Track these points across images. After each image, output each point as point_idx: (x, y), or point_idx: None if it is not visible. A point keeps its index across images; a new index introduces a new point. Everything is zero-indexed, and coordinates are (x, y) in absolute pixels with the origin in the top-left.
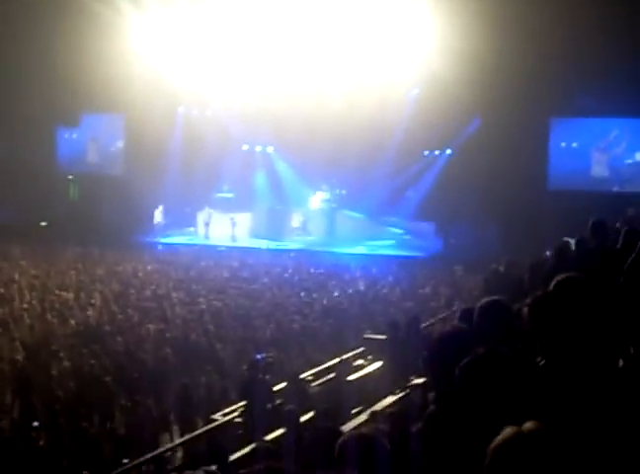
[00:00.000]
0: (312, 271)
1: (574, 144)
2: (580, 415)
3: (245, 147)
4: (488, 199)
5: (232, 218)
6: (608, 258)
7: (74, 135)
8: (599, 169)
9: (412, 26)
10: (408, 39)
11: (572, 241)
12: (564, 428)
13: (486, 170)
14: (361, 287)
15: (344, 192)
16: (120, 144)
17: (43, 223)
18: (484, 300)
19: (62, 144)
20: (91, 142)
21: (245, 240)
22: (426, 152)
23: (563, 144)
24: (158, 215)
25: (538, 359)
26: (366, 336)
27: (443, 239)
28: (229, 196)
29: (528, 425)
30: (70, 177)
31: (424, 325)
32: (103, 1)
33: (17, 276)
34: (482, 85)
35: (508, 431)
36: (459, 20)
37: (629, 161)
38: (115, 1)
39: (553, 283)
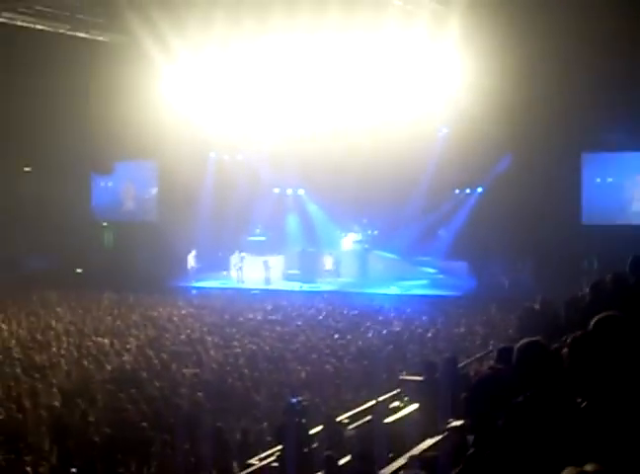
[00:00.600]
0: (345, 312)
1: (609, 179)
2: (626, 457)
3: (276, 190)
4: (521, 237)
5: (265, 261)
6: None
7: (109, 183)
8: (637, 204)
9: (439, 64)
10: (435, 77)
11: (608, 277)
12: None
13: (518, 207)
14: (396, 328)
15: (375, 232)
16: (153, 191)
17: (79, 270)
18: (522, 342)
19: (97, 192)
20: (124, 190)
21: (278, 283)
22: (457, 190)
23: (598, 180)
24: (191, 260)
25: (579, 400)
26: (402, 377)
27: (477, 277)
28: (261, 239)
29: (590, 466)
30: (105, 224)
31: (460, 365)
32: (135, 49)
33: (54, 323)
34: (512, 122)
35: (570, 471)
36: (486, 57)
37: None
38: (146, 48)
39: (592, 323)
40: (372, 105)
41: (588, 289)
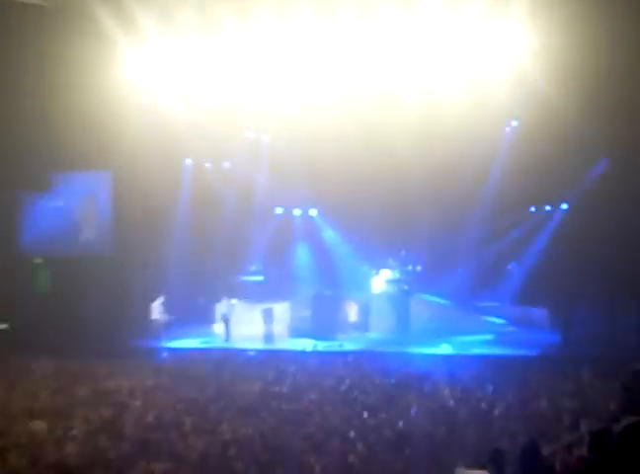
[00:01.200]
0: (378, 381)
1: None
2: None
3: (279, 211)
4: (622, 272)
5: (265, 310)
6: None
7: (43, 203)
8: None
9: (505, 36)
10: (501, 53)
11: None
12: None
13: (616, 231)
14: (449, 402)
15: (419, 268)
16: (106, 212)
17: (2, 326)
18: (627, 422)
19: (29, 216)
20: (65, 212)
21: (283, 340)
22: (532, 208)
23: None
24: (158, 309)
25: None
26: (460, 470)
27: (562, 330)
28: (259, 279)
29: None
30: (38, 260)
31: (541, 455)
32: (87, 18)
33: None
34: (608, 116)
35: None
36: (574, 27)
37: None
38: (103, 22)
39: None
40: (412, 91)
41: None
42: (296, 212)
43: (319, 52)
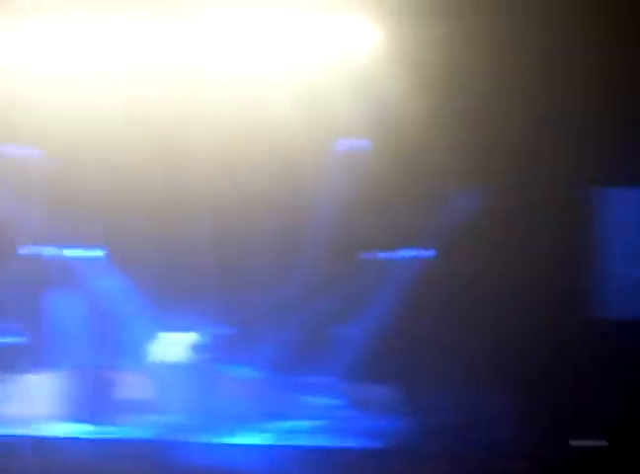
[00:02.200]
0: None
1: None
2: None
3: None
4: (493, 339)
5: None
6: None
7: None
8: None
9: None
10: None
11: None
12: None
13: (492, 285)
14: None
15: (223, 333)
16: None
17: None
18: None
19: None
20: None
21: (42, 423)
22: (378, 254)
23: None
24: None
25: None
26: None
27: (415, 413)
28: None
29: None
30: None
31: None
32: None
33: None
34: (479, 132)
35: None
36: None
37: None
38: None
39: None
40: (223, 102)
41: None
42: (73, 252)
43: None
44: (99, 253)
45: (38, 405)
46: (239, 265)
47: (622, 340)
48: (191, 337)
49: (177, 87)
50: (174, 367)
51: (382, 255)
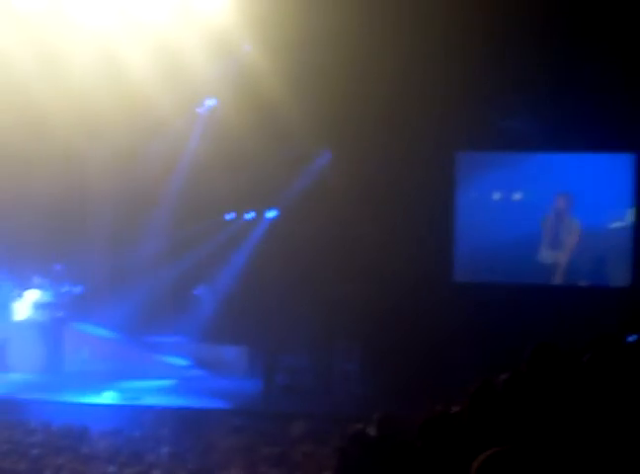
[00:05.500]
0: (18, 438)
1: None
2: None
3: None
4: (344, 303)
5: None
6: None
7: None
8: None
9: None
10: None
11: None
12: None
13: (340, 246)
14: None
15: (77, 289)
16: None
17: None
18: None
19: None
20: None
21: None
22: (228, 216)
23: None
24: None
25: None
26: None
27: (264, 376)
28: None
29: None
30: None
31: None
32: None
33: None
34: (330, 96)
35: None
36: None
37: None
38: None
39: None
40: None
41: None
42: None
43: None
44: None
45: None
46: (95, 225)
47: (482, 305)
48: (44, 296)
49: (34, 35)
50: (26, 326)
51: (234, 216)
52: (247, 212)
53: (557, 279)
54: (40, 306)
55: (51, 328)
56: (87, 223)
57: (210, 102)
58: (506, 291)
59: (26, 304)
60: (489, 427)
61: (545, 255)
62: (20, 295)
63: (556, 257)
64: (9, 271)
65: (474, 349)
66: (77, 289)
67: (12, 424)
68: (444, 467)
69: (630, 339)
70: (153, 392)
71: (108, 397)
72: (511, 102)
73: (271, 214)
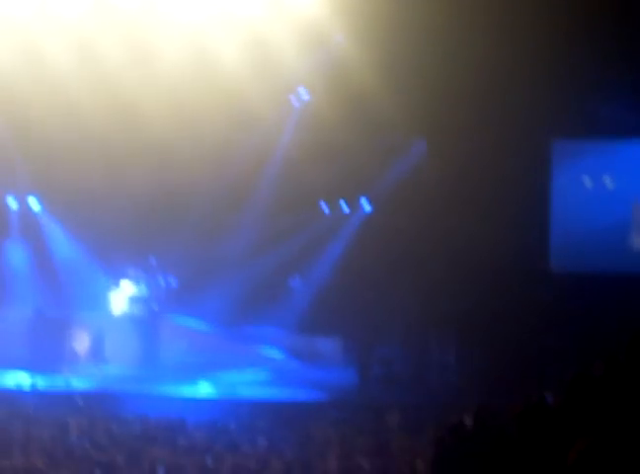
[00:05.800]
0: (117, 431)
1: None
2: None
3: None
4: (440, 296)
5: None
6: None
7: None
8: None
9: None
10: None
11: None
12: None
13: (436, 239)
14: (208, 462)
15: (172, 282)
16: None
17: None
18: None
19: None
20: None
21: None
22: (324, 207)
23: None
24: None
25: None
26: None
27: (360, 366)
28: None
29: None
30: None
31: None
32: None
33: None
34: (423, 87)
35: None
36: None
37: None
38: None
39: None
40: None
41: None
42: (12, 204)
43: None
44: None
45: None
46: (189, 217)
47: (576, 294)
48: (139, 289)
49: (126, 33)
50: (122, 319)
51: (328, 207)
52: (341, 203)
53: None
54: (135, 300)
55: (147, 321)
56: (181, 216)
57: (303, 93)
58: (601, 280)
59: (122, 297)
60: (586, 417)
61: (638, 241)
62: (117, 288)
63: None
64: (105, 262)
65: (570, 338)
66: (172, 282)
67: (109, 417)
68: (541, 457)
69: None
70: (248, 384)
71: (203, 389)
72: (604, 89)
73: (366, 205)
